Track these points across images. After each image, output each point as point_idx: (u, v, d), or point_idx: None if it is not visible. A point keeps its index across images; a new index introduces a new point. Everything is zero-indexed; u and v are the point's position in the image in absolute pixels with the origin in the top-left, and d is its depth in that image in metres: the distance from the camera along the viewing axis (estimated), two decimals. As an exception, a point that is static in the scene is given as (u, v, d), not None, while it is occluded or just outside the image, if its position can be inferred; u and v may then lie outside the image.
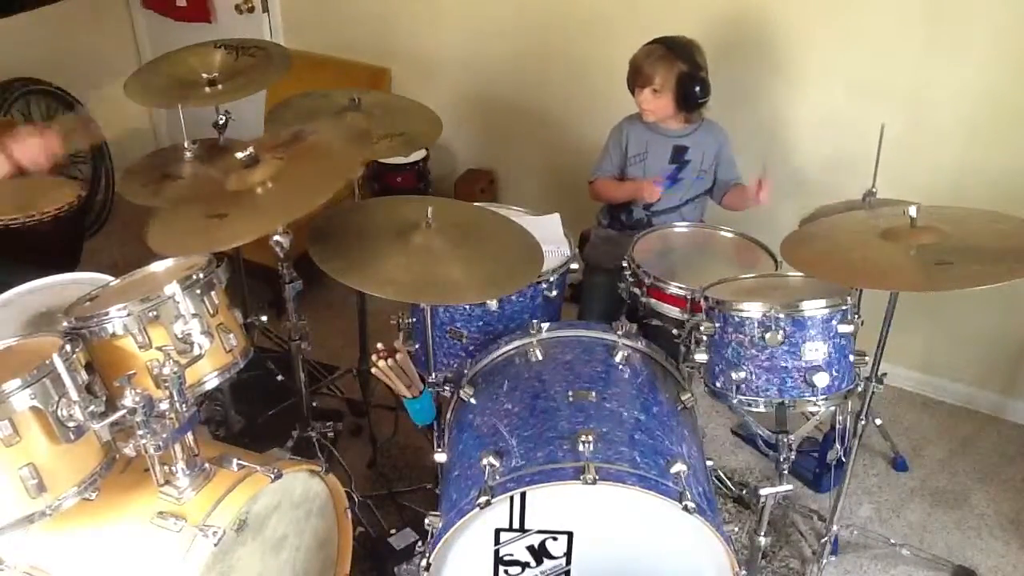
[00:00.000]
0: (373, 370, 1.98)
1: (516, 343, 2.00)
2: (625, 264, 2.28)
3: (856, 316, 1.88)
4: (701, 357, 1.94)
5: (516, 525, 1.66)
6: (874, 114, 2.47)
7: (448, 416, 1.99)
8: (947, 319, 2.91)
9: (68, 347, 1.45)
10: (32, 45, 3.65)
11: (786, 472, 1.97)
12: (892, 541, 2.41)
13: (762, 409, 1.91)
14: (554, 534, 1.68)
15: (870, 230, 1.86)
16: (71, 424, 1.42)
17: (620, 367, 1.91)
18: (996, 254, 1.73)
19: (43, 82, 3.65)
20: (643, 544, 1.68)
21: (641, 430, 1.74)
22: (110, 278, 1.92)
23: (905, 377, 3.05)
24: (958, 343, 2.96)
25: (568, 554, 1.70)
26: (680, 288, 2.15)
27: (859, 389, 1.98)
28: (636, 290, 2.24)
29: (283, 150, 2.00)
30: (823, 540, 2.32)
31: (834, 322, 1.84)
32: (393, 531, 2.33)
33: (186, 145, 2.51)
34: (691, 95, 2.43)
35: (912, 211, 1.79)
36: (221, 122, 2.57)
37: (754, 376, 1.88)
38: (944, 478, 2.74)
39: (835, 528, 2.31)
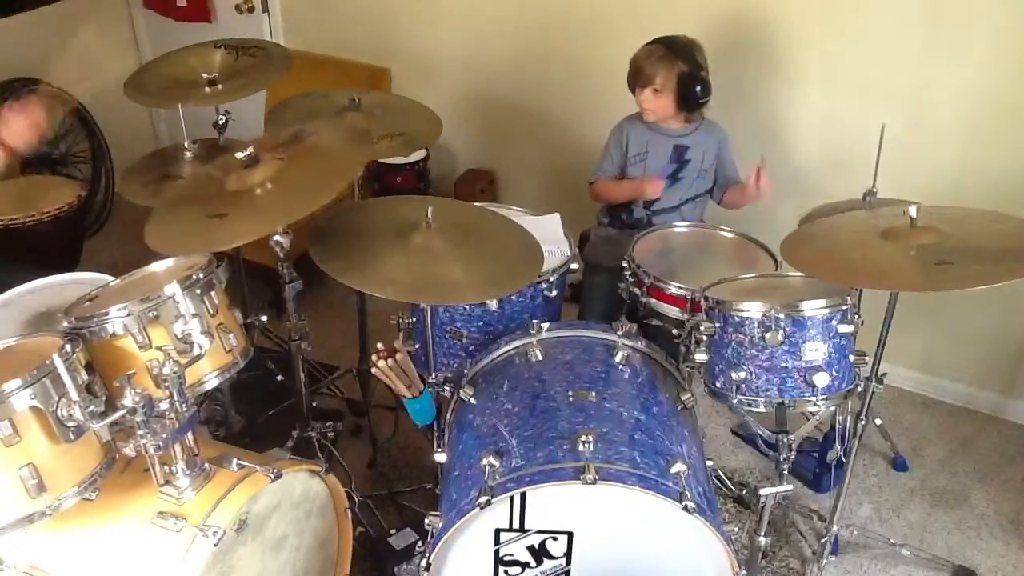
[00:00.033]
0: (373, 370, 1.98)
1: (516, 343, 2.00)
2: (625, 264, 2.28)
3: (856, 316, 1.88)
4: (701, 357, 1.94)
5: (516, 525, 1.66)
6: (874, 114, 2.47)
7: (448, 416, 1.99)
8: (947, 319, 2.91)
9: (68, 347, 1.46)
10: (32, 45, 3.65)
11: (786, 472, 1.97)
12: (892, 541, 2.41)
13: (762, 409, 1.91)
14: (554, 534, 1.68)
15: (870, 230, 1.86)
16: (71, 424, 1.42)
17: (620, 367, 1.91)
18: (996, 254, 1.73)
19: (43, 82, 3.64)
20: (643, 544, 1.68)
21: (641, 430, 1.74)
22: (110, 278, 1.92)
23: (905, 377, 3.05)
24: (958, 343, 2.96)
25: (568, 554, 1.70)
26: (680, 288, 2.15)
27: (859, 389, 1.97)
28: (636, 290, 2.24)
29: (283, 150, 2.00)
30: (823, 540, 2.32)
31: (834, 322, 1.84)
32: (393, 531, 2.33)
33: (186, 145, 2.50)
34: (692, 95, 2.44)
35: (912, 211, 1.79)
36: (221, 122, 2.57)
37: (754, 376, 1.88)
38: (944, 478, 2.74)
39: (835, 528, 2.31)
